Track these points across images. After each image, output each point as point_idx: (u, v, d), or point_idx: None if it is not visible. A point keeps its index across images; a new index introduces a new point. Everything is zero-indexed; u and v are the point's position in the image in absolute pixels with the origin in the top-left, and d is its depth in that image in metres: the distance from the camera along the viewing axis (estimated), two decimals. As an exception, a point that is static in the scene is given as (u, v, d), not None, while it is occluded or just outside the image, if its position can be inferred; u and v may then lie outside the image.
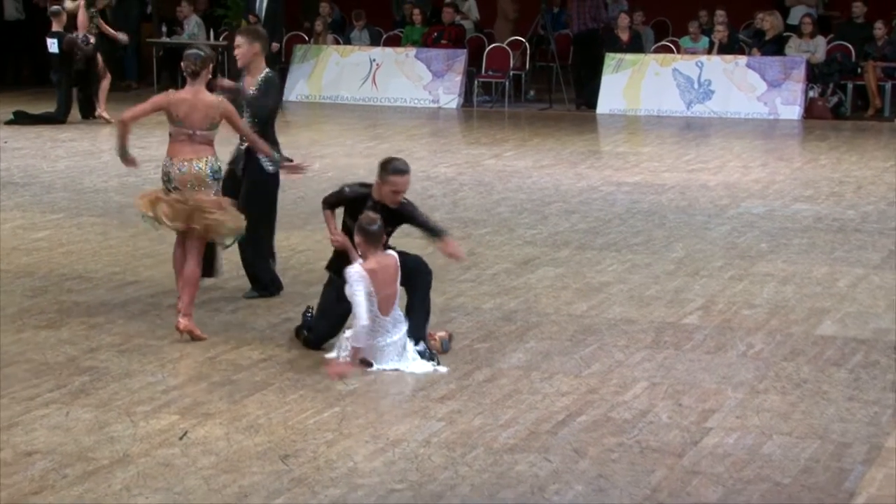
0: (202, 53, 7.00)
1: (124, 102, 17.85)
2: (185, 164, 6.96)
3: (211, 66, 7.02)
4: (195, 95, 6.98)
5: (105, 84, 15.79)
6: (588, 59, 17.68)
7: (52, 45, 15.38)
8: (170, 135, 7.10)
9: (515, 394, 6.10)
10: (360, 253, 6.43)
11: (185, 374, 6.33)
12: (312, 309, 6.89)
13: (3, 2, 19.50)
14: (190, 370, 6.40)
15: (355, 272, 6.26)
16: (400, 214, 6.68)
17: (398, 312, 6.48)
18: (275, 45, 17.92)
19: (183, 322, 6.86)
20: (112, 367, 6.41)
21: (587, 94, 17.68)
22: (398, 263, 6.46)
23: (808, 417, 5.79)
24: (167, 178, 7.02)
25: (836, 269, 8.61)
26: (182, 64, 7.02)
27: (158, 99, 7.12)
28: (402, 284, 6.53)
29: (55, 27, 15.72)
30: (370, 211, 6.50)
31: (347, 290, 6.27)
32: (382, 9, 20.14)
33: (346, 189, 6.84)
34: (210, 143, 7.04)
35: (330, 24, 19.16)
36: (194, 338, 6.86)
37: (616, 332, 7.17)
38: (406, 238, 7.09)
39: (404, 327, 6.49)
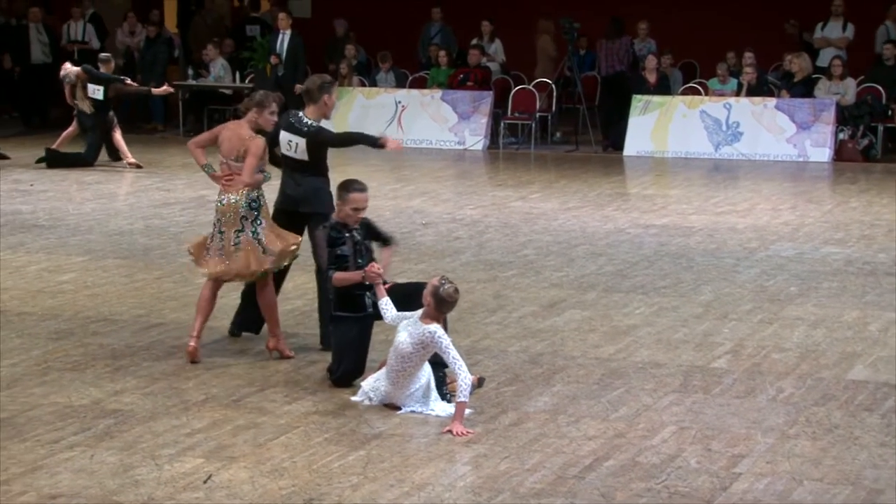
0: (256, 97, 7.52)
1: (149, 145, 18.09)
2: (224, 195, 7.50)
3: (258, 110, 7.44)
4: (235, 128, 7.56)
5: (116, 135, 15.86)
6: (616, 101, 17.77)
7: (97, 92, 15.53)
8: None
9: (542, 438, 6.10)
10: (426, 315, 6.44)
11: (210, 417, 6.36)
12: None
13: (30, 45, 19.77)
14: (214, 413, 6.44)
15: (438, 329, 6.34)
16: (366, 229, 7.05)
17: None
18: (298, 87, 18.10)
19: (272, 342, 7.43)
20: (137, 410, 6.45)
21: (613, 136, 17.75)
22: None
23: (839, 463, 5.76)
24: (215, 209, 7.57)
25: (868, 313, 8.57)
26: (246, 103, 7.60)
27: (215, 129, 7.79)
28: (403, 308, 6.67)
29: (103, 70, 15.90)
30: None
31: (438, 348, 6.29)
32: (408, 51, 20.30)
33: (325, 232, 7.07)
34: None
35: (355, 66, 19.32)
36: (283, 356, 7.38)
37: (644, 375, 7.16)
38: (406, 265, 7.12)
39: (430, 370, 6.52)
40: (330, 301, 7.09)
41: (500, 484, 5.50)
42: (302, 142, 7.57)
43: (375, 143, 7.56)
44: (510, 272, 9.85)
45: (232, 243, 7.41)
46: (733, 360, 7.46)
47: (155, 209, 12.64)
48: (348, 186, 7.01)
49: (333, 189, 7.33)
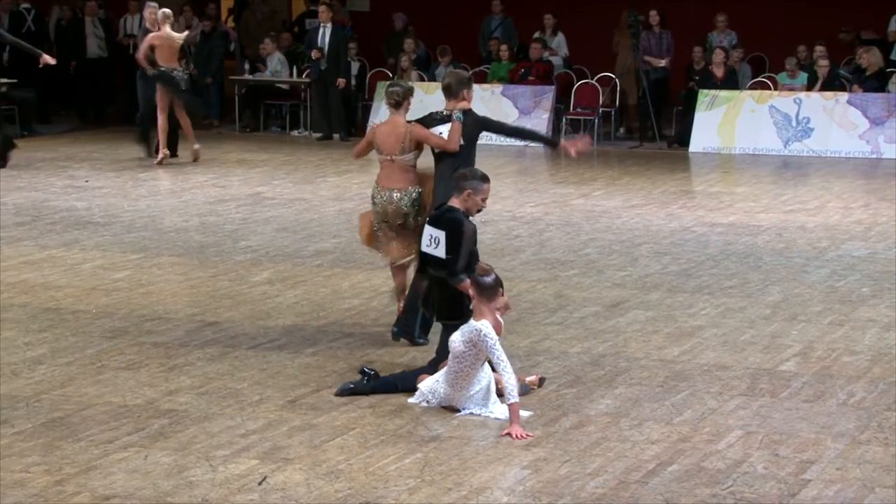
0: (403, 87, 7.81)
1: (205, 141, 18.22)
2: (386, 192, 7.81)
3: (410, 98, 7.79)
4: (392, 123, 7.82)
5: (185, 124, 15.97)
6: (658, 96, 17.90)
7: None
8: (379, 163, 7.94)
9: (604, 441, 6.07)
10: (476, 311, 6.44)
11: (265, 418, 6.41)
12: (368, 369, 6.85)
13: (86, 39, 20.02)
14: (270, 414, 6.48)
15: (485, 327, 6.30)
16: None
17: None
18: (340, 81, 18.22)
19: None
20: (191, 410, 6.51)
21: (648, 130, 17.89)
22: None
23: (913, 471, 5.68)
24: (373, 202, 7.91)
25: (944, 315, 8.44)
26: (385, 98, 7.88)
27: (367, 135, 8.09)
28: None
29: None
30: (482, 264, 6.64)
31: (484, 346, 6.26)
32: (468, 45, 20.30)
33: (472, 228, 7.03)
34: (409, 169, 7.80)
35: (414, 61, 19.36)
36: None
37: (709, 378, 7.10)
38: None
39: (490, 372, 6.52)
40: (428, 301, 7.06)
41: (560, 489, 5.48)
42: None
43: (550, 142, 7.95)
44: (571, 271, 9.81)
45: (398, 226, 7.76)
46: (802, 363, 7.38)
47: (210, 206, 12.75)
48: (483, 176, 7.03)
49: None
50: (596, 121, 18.05)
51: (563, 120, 18.14)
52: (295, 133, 19.22)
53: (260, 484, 5.52)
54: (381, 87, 19.00)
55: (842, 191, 13.96)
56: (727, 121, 17.19)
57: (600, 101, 18.11)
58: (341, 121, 18.42)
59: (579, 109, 18.22)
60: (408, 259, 7.85)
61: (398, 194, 7.78)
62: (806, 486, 5.49)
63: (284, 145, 17.99)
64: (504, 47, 18.94)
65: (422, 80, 19.17)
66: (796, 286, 9.34)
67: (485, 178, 7.01)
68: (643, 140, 18.05)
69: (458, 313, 6.80)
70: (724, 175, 15.69)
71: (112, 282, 9.44)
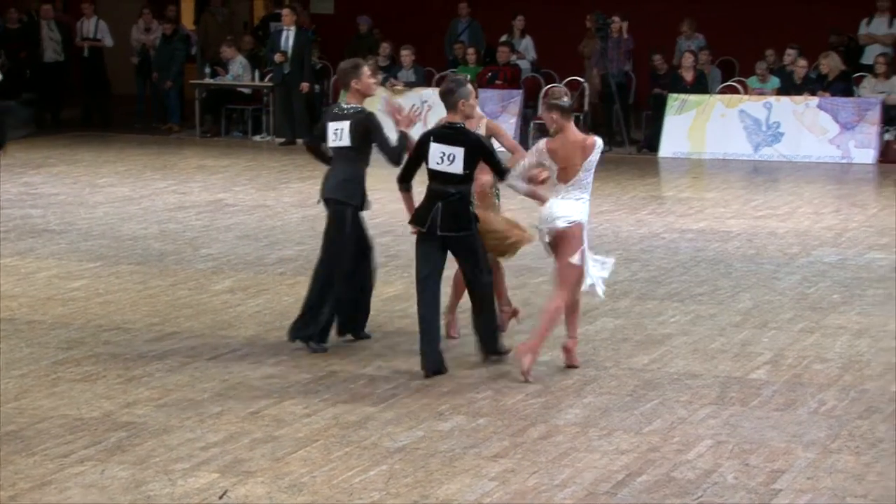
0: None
1: (165, 146, 18.16)
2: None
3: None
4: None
5: None
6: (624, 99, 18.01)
7: None
8: None
9: (572, 452, 6.07)
10: (553, 130, 7.33)
11: (226, 430, 6.37)
12: None
13: (42, 43, 19.90)
14: (230, 426, 6.45)
15: (540, 145, 7.38)
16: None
17: (581, 185, 7.25)
18: (304, 85, 18.19)
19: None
20: (150, 423, 6.47)
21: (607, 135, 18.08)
22: (588, 143, 7.35)
23: (884, 479, 5.71)
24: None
25: (915, 322, 8.51)
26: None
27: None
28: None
29: None
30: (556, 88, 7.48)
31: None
32: (435, 48, 20.31)
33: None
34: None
35: (380, 64, 19.34)
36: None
37: (679, 386, 7.12)
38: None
39: (586, 198, 7.23)
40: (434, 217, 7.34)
41: (528, 500, 5.48)
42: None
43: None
44: (540, 279, 9.82)
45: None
46: (773, 371, 7.42)
47: (170, 213, 12.69)
48: (461, 80, 7.47)
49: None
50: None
51: (532, 124, 18.18)
52: (257, 138, 19.17)
53: (220, 498, 5.49)
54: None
55: (812, 196, 14.06)
56: (697, 125, 17.28)
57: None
58: (305, 125, 18.35)
59: (548, 114, 18.24)
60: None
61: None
62: (777, 496, 5.51)
63: (246, 150, 17.94)
64: (471, 51, 18.96)
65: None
66: (767, 293, 9.39)
67: (462, 81, 7.50)
68: (612, 145, 18.11)
69: (465, 225, 7.31)
70: (694, 180, 15.77)
71: (68, 291, 9.37)
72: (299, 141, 18.29)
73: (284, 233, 11.70)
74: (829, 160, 16.61)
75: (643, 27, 19.05)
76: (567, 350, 7.49)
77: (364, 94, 7.92)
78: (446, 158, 7.29)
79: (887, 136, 16.74)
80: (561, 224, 7.25)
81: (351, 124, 7.80)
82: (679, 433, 6.34)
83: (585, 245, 7.33)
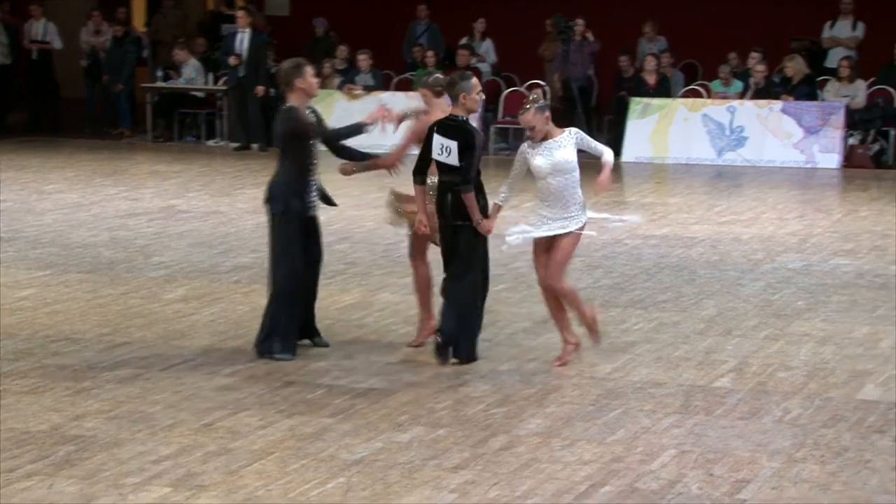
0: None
1: (116, 152, 18.04)
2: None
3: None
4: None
5: None
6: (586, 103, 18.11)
7: None
8: None
9: (534, 463, 6.08)
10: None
11: (178, 443, 6.33)
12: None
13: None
14: (183, 438, 6.40)
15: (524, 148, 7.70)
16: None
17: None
18: (259, 89, 18.14)
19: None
20: (99, 436, 6.41)
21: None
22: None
23: (849, 489, 5.75)
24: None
25: (879, 329, 8.58)
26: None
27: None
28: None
29: None
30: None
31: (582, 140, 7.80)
32: (393, 51, 20.32)
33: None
34: None
35: (337, 67, 19.32)
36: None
37: (642, 395, 7.15)
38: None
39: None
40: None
41: (488, 513, 5.47)
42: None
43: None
44: (501, 286, 9.83)
45: None
46: (737, 379, 7.46)
47: (121, 220, 12.61)
48: (465, 75, 7.77)
49: None
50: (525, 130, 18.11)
51: (492, 129, 18.21)
52: (211, 143, 19.09)
53: (173, 513, 5.45)
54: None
55: (776, 201, 14.17)
56: (660, 130, 17.38)
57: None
58: (260, 130, 18.32)
59: (508, 118, 18.30)
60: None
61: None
62: (741, 506, 5.54)
63: (200, 156, 17.86)
64: (430, 54, 18.98)
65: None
66: (731, 300, 9.44)
67: (467, 76, 7.70)
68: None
69: (465, 215, 7.55)
70: (658, 185, 15.85)
71: (15, 301, 9.28)
72: (254, 146, 18.26)
73: (239, 240, 11.65)
74: (793, 165, 16.75)
75: (604, 30, 19.14)
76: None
77: (308, 94, 7.84)
78: (444, 150, 7.60)
79: (851, 141, 16.90)
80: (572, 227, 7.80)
81: (276, 123, 7.82)
82: (643, 443, 6.36)
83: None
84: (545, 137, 7.65)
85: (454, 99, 7.67)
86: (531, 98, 7.64)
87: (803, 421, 6.71)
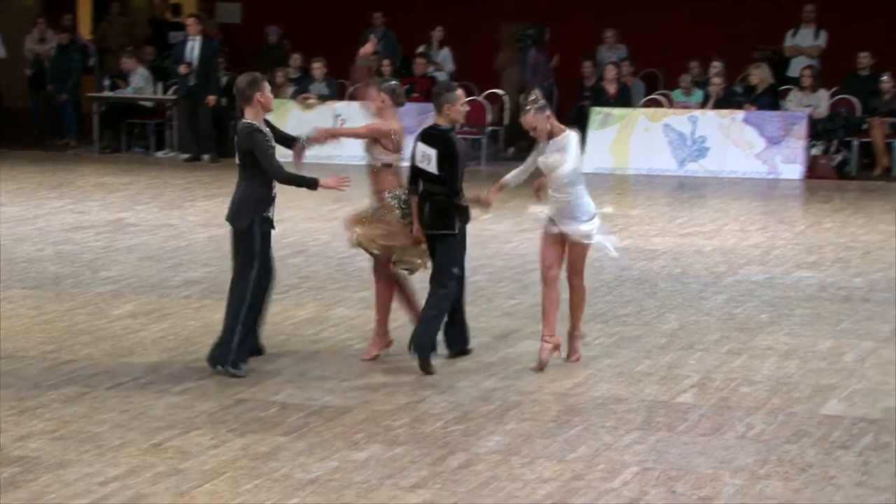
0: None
1: (61, 163, 17.91)
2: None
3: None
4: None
5: None
6: None
7: None
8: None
9: (493, 481, 6.08)
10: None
11: (127, 464, 6.29)
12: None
13: None
14: (132, 458, 6.36)
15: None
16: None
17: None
18: (210, 99, 18.09)
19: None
20: (44, 457, 6.36)
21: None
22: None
23: (814, 505, 5.80)
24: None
25: (843, 343, 8.66)
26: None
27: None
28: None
29: None
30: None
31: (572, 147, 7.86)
32: (348, 59, 20.28)
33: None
34: (385, 171, 8.08)
35: (290, 76, 19.31)
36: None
37: (604, 411, 7.17)
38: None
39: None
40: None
41: (446, 533, 5.47)
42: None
43: None
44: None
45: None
46: (700, 395, 7.50)
47: (66, 233, 12.53)
48: (450, 86, 8.16)
49: None
50: (483, 140, 18.18)
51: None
52: (160, 154, 19.02)
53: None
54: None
55: (739, 213, 14.28)
56: (620, 140, 17.48)
57: (488, 120, 18.25)
58: (211, 140, 18.28)
59: (466, 128, 18.32)
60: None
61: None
62: (705, 524, 5.57)
63: (149, 167, 17.78)
64: (386, 62, 18.99)
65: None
66: (693, 313, 9.50)
67: (452, 87, 8.02)
68: (533, 161, 18.24)
69: (449, 224, 7.82)
70: (619, 196, 15.93)
71: (-43, 317, 9.19)
72: (205, 157, 18.20)
73: (190, 254, 11.60)
74: (755, 175, 16.89)
75: (564, 38, 19.25)
76: (557, 347, 8.03)
77: (265, 109, 7.89)
78: (425, 158, 7.85)
79: (814, 151, 17.07)
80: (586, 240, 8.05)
81: (237, 139, 7.84)
82: (604, 460, 6.38)
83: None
84: (551, 135, 7.92)
85: (439, 109, 7.91)
86: (530, 99, 7.88)
87: (767, 436, 6.76)
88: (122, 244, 12.04)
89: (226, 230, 12.53)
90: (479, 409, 7.19)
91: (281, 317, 8.99)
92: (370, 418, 7.01)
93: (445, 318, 7.99)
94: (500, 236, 12.63)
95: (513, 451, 6.52)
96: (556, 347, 8.04)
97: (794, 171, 16.89)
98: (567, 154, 7.84)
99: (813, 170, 16.93)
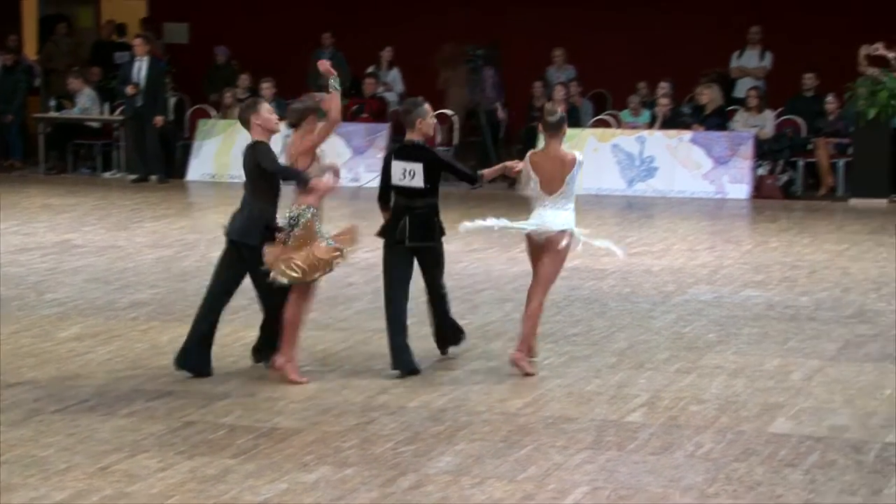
0: (301, 106, 8.08)
1: (6, 185, 17.73)
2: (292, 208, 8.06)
3: (312, 116, 8.03)
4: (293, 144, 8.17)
5: None
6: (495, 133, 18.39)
7: None
8: None
9: (444, 501, 6.07)
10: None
11: (73, 488, 6.22)
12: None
13: None
14: (78, 483, 6.30)
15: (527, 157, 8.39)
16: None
17: (566, 196, 8.31)
18: (158, 119, 18.02)
19: (281, 360, 8.01)
20: (-10, 481, 6.29)
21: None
22: (569, 159, 8.33)
23: (762, 523, 5.83)
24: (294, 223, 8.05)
25: (790, 361, 8.73)
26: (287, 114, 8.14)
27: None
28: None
29: None
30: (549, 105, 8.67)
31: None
32: (297, 80, 20.29)
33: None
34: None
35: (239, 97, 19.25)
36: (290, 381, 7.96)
37: (554, 431, 7.18)
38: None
39: (572, 207, 8.27)
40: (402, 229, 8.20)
41: (397, 554, 5.45)
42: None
43: None
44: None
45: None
46: (649, 414, 7.53)
47: (11, 255, 12.40)
48: (417, 101, 8.36)
49: None
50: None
51: (399, 160, 18.25)
52: (107, 175, 18.89)
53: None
54: (202, 124, 18.84)
55: (687, 233, 14.38)
56: (569, 160, 17.54)
57: (438, 140, 18.27)
58: (158, 161, 18.18)
59: (415, 148, 18.35)
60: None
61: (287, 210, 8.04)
62: (654, 543, 5.59)
63: (96, 188, 17.65)
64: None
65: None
66: (642, 332, 9.55)
67: (419, 102, 8.31)
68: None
69: (433, 235, 8.29)
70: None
71: None
72: (153, 178, 18.10)
73: (137, 275, 11.52)
74: (703, 195, 17.02)
75: (513, 57, 19.33)
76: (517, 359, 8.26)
77: (267, 129, 8.14)
78: (408, 174, 8.17)
79: (760, 171, 17.23)
80: (555, 228, 8.31)
81: (244, 159, 8.14)
82: (554, 480, 6.39)
83: (572, 246, 8.51)
84: None
85: (411, 125, 8.24)
86: (546, 111, 8.63)
87: (715, 455, 6.80)
88: (68, 266, 11.94)
89: (173, 252, 12.52)
90: (430, 430, 7.18)
91: (230, 338, 8.94)
92: (320, 440, 6.99)
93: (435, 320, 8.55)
94: (449, 256, 12.58)
95: (463, 471, 6.51)
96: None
97: (740, 190, 17.05)
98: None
99: (759, 190, 17.09)
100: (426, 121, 8.22)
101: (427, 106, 8.24)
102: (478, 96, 18.57)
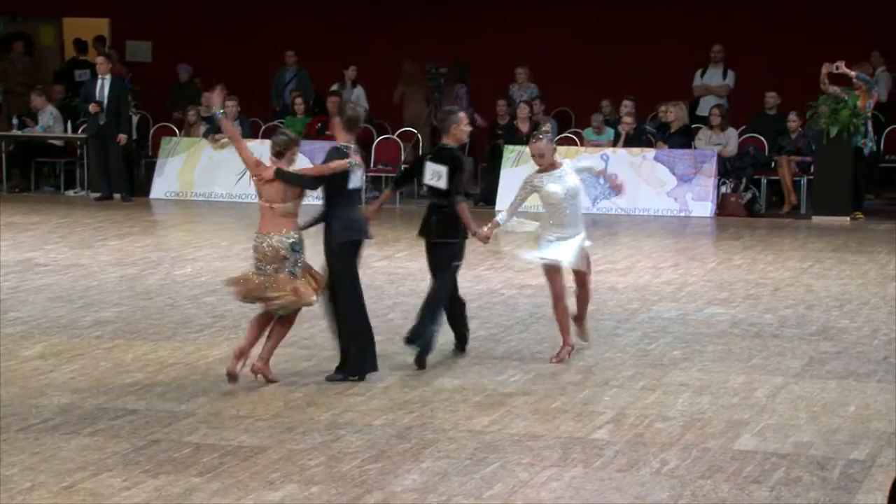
0: (286, 137, 8.54)
1: (-31, 202, 17.57)
2: (263, 237, 8.36)
3: (295, 148, 8.56)
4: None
5: None
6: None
7: None
8: (259, 209, 8.54)
9: (410, 520, 6.08)
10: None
11: (37, 507, 6.19)
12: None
13: None
14: (43, 502, 6.26)
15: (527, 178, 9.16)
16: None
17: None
18: (122, 137, 17.97)
19: (260, 363, 8.33)
20: (-48, 501, 6.24)
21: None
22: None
23: (728, 539, 5.86)
24: (254, 250, 8.41)
25: (754, 378, 8.79)
26: (270, 145, 8.57)
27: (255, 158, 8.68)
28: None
29: None
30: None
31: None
32: (261, 98, 20.28)
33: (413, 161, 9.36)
34: (289, 215, 8.50)
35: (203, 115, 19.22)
36: (267, 380, 8.31)
37: (520, 448, 7.20)
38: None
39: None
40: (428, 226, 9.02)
41: (364, 572, 5.45)
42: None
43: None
44: (375, 338, 9.83)
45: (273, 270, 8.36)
46: (615, 431, 7.56)
47: (-26, 274, 12.31)
48: (452, 110, 9.32)
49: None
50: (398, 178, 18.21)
51: (363, 177, 18.24)
52: (71, 193, 18.79)
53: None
54: (166, 142, 18.79)
55: (651, 250, 14.45)
56: (534, 178, 17.59)
57: (402, 158, 18.30)
58: (122, 179, 18.12)
59: (380, 166, 18.39)
60: (281, 303, 8.31)
61: (277, 237, 8.36)
62: (621, 559, 5.61)
63: (59, 206, 17.55)
64: (299, 101, 19.00)
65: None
66: (608, 350, 9.59)
67: (455, 110, 9.25)
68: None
69: (452, 233, 8.90)
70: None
71: None
72: (116, 196, 18.03)
73: (101, 293, 11.46)
74: (667, 213, 17.11)
75: (475, 76, 19.40)
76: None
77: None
78: (435, 175, 8.89)
79: (724, 189, 17.34)
80: (587, 244, 9.49)
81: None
82: (521, 497, 6.40)
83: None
84: (552, 166, 9.02)
85: (446, 131, 9.03)
86: (543, 129, 9.14)
87: (681, 472, 6.83)
88: (31, 284, 11.86)
89: (137, 270, 12.46)
90: (396, 448, 7.18)
91: (195, 356, 8.91)
92: (285, 457, 6.98)
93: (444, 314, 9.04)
94: (415, 274, 12.64)
95: (429, 489, 6.52)
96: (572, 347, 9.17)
97: (704, 208, 17.15)
98: (570, 177, 9.10)
99: (723, 207, 17.19)
100: (460, 127, 8.99)
101: (462, 114, 9.07)
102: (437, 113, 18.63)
